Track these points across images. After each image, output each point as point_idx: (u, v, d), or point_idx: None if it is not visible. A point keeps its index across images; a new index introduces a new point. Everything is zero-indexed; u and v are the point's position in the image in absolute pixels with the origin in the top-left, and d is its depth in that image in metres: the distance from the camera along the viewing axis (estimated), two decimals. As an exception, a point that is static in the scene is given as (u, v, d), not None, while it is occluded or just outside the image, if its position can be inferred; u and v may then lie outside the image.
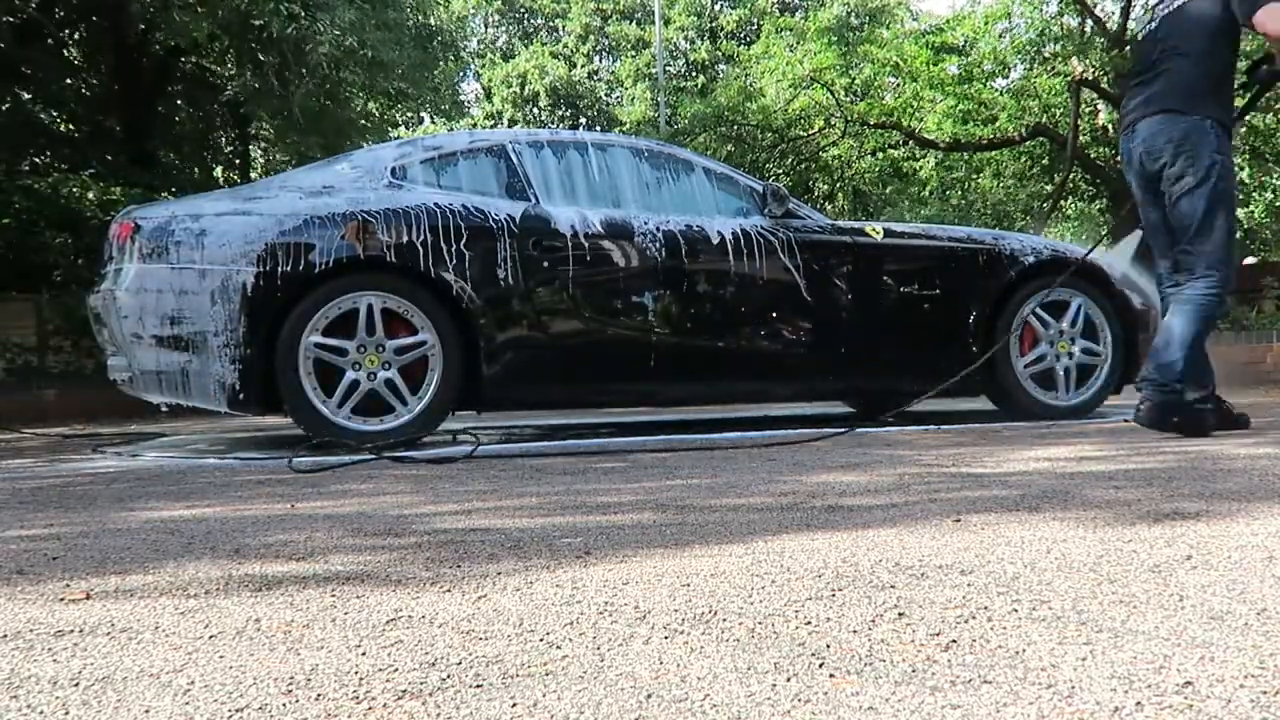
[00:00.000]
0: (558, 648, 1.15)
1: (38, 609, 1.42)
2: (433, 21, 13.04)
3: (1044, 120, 14.38)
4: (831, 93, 14.57)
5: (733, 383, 4.48)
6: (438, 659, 1.12)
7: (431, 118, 19.80)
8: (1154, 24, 3.77)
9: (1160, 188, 3.67)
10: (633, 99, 28.68)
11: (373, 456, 3.56)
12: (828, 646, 1.13)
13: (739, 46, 25.44)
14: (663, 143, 4.84)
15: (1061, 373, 4.69)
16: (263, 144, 15.11)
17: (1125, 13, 13.64)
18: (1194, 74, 3.60)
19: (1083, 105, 14.03)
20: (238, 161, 14.24)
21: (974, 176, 17.02)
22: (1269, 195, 16.90)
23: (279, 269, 3.90)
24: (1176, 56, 3.63)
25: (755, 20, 26.53)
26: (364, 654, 1.15)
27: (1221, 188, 3.57)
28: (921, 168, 17.35)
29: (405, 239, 4.01)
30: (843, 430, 4.33)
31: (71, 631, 1.29)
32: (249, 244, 3.91)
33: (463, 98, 17.25)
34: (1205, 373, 3.64)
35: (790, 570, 1.53)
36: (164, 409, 4.13)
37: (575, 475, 2.94)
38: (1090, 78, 13.56)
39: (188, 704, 1.00)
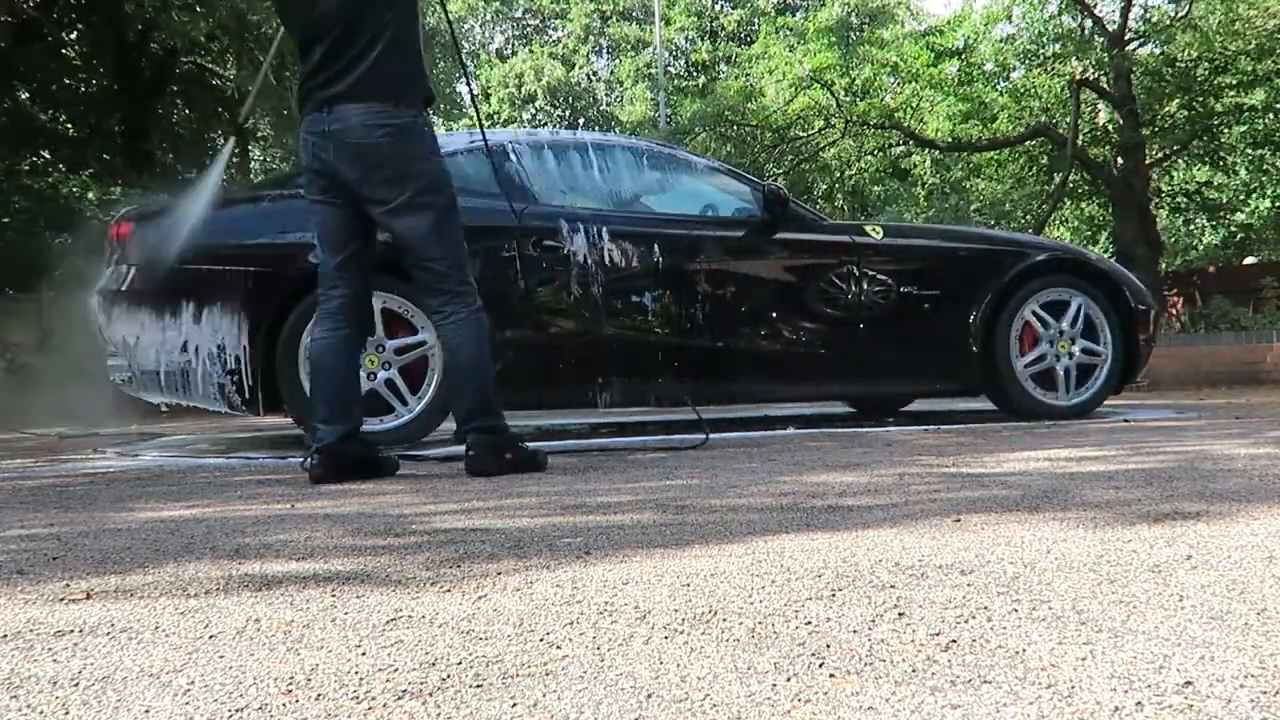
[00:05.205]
0: (558, 648, 1.15)
1: (38, 609, 1.42)
2: (430, 22, 13.04)
3: (1044, 120, 14.39)
4: (831, 93, 14.57)
5: (733, 383, 4.48)
6: (438, 659, 1.12)
7: (437, 118, 19.81)
8: None
9: (359, 192, 2.96)
10: (633, 99, 28.66)
11: (384, 455, 3.56)
12: (828, 646, 1.13)
13: (739, 47, 25.44)
14: (662, 143, 4.85)
15: (1061, 373, 4.68)
16: (261, 144, 15.11)
17: (1125, 13, 13.65)
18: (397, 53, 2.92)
19: (1083, 105, 14.02)
20: (236, 161, 14.24)
21: (971, 177, 17.03)
22: (1270, 194, 16.89)
23: (279, 268, 3.90)
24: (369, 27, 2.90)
25: (755, 21, 26.52)
26: (364, 654, 1.15)
27: (450, 192, 3.02)
28: (919, 166, 17.35)
29: (405, 239, 4.00)
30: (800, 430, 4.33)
31: (71, 631, 1.29)
32: (249, 243, 3.91)
33: (460, 98, 17.26)
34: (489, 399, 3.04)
35: (790, 570, 1.52)
36: (164, 409, 4.13)
37: (575, 475, 2.94)
38: (1090, 78, 13.56)
39: (188, 704, 1.00)
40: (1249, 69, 12.67)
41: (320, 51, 2.92)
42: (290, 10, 3.05)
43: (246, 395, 3.91)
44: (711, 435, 3.90)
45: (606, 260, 4.21)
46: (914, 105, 14.97)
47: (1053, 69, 14.20)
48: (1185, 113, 13.57)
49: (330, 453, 2.94)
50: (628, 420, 5.73)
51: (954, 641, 1.13)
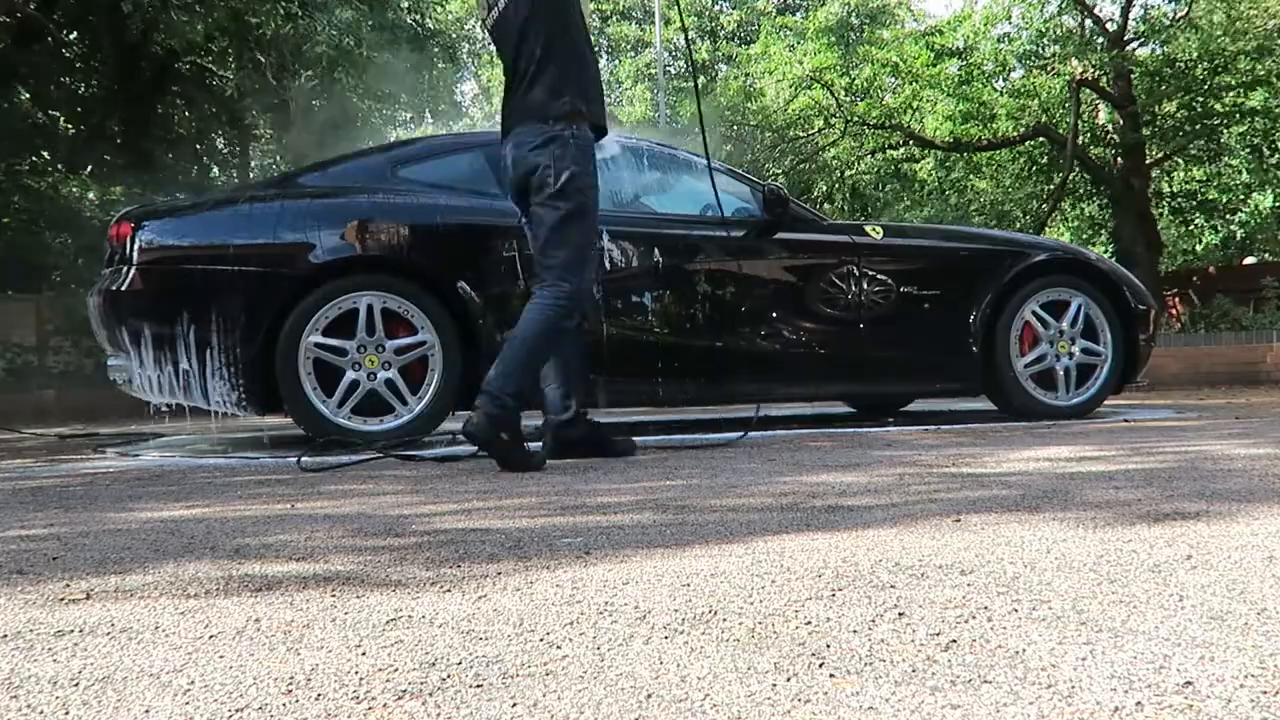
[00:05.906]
0: (558, 648, 1.15)
1: (38, 609, 1.42)
2: (430, 23, 13.06)
3: (1044, 120, 14.39)
4: (831, 93, 14.58)
5: (733, 383, 4.47)
6: (438, 659, 1.12)
7: (438, 118, 19.82)
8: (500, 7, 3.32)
9: (528, 199, 3.31)
10: (632, 99, 28.66)
11: (378, 455, 3.56)
12: (828, 646, 1.13)
13: (739, 47, 25.45)
14: (662, 143, 4.85)
15: (1061, 373, 4.69)
16: (260, 143, 15.11)
17: (1125, 13, 13.65)
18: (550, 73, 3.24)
19: (1083, 105, 14.03)
20: (235, 161, 14.25)
21: (971, 177, 17.03)
22: (1271, 193, 16.90)
23: (279, 269, 3.90)
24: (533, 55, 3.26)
25: (755, 21, 26.53)
26: (364, 654, 1.15)
27: (579, 201, 3.24)
28: (920, 168, 17.37)
29: (405, 238, 4.01)
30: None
31: (71, 631, 1.29)
32: (249, 243, 3.91)
33: (460, 98, 17.30)
34: (531, 389, 3.27)
35: (790, 570, 1.52)
36: (164, 409, 4.13)
37: (575, 475, 2.94)
38: (1090, 78, 13.57)
39: (188, 704, 1.00)
40: (1249, 69, 12.68)
41: (505, 84, 3.38)
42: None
43: (246, 396, 3.91)
44: (712, 435, 3.90)
45: (606, 260, 4.21)
46: (914, 105, 14.99)
47: (1053, 69, 14.20)
48: (1185, 113, 13.58)
49: (487, 414, 3.08)
50: (628, 420, 5.73)
51: (954, 641, 1.13)
